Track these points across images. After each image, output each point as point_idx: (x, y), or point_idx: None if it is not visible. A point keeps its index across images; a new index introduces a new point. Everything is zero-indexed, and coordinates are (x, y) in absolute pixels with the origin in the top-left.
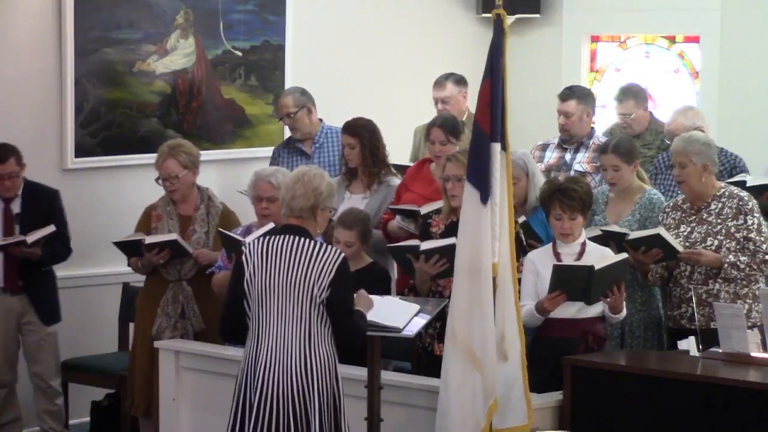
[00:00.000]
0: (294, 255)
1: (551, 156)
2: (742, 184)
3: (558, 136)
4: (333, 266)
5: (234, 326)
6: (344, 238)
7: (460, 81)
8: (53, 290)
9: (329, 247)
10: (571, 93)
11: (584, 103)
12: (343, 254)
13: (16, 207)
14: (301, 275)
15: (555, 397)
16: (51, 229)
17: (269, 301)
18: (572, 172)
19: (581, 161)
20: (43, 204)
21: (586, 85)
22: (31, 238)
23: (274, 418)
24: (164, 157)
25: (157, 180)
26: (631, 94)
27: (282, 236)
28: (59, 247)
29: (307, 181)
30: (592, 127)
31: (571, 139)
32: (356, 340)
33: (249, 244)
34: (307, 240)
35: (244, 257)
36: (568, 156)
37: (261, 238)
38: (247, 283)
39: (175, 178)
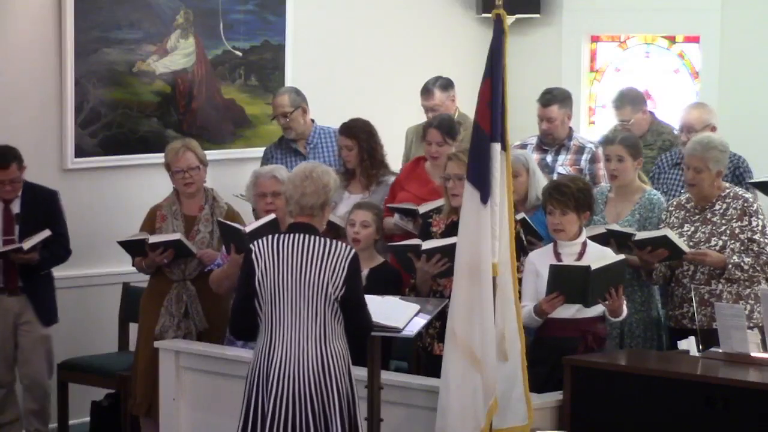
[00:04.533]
0: (306, 253)
1: None
2: (766, 186)
3: (536, 135)
4: (345, 263)
5: (245, 324)
6: (361, 217)
7: (447, 85)
8: (51, 291)
9: (340, 243)
10: (553, 98)
11: (565, 106)
12: (354, 250)
13: (16, 207)
14: (313, 273)
15: (555, 397)
16: (46, 233)
17: (282, 300)
18: (555, 175)
19: (563, 163)
20: (42, 205)
21: (586, 85)
22: (27, 244)
23: (290, 418)
24: (183, 151)
25: (174, 174)
26: (628, 101)
27: (291, 234)
28: (58, 248)
29: (315, 178)
30: (570, 128)
31: (552, 142)
32: (369, 334)
33: (258, 242)
34: (318, 237)
35: (253, 255)
36: (549, 158)
37: (270, 237)
38: (259, 282)
39: (195, 169)
